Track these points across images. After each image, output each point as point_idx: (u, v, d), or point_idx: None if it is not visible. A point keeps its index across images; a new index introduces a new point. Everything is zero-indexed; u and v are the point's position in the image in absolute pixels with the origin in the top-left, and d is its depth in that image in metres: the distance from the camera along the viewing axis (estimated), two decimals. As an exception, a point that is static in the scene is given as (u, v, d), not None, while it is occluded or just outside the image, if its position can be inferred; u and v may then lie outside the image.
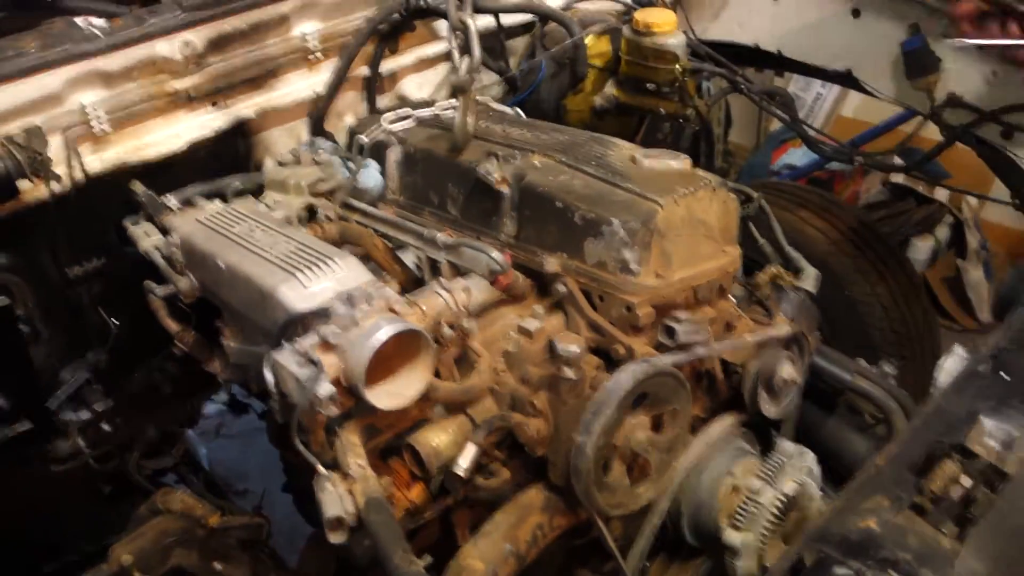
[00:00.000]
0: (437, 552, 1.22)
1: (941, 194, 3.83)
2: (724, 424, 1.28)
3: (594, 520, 1.10)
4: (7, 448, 1.25)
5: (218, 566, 1.44)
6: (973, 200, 3.84)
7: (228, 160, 1.63)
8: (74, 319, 1.51)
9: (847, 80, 2.08)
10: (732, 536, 1.17)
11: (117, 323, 1.56)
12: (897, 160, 2.21)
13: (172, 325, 1.48)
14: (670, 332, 1.19)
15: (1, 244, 1.36)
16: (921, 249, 3.64)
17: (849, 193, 3.93)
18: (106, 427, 1.56)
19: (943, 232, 3.73)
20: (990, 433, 1.00)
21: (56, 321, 1.47)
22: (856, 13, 2.00)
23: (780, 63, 2.22)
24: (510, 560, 1.07)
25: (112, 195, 1.47)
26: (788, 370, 1.27)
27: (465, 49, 1.36)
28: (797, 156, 3.95)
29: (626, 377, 1.04)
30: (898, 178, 3.86)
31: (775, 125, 4.50)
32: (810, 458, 1.24)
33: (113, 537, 1.45)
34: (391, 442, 1.19)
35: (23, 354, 1.25)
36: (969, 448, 1.00)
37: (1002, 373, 1.11)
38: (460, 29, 1.37)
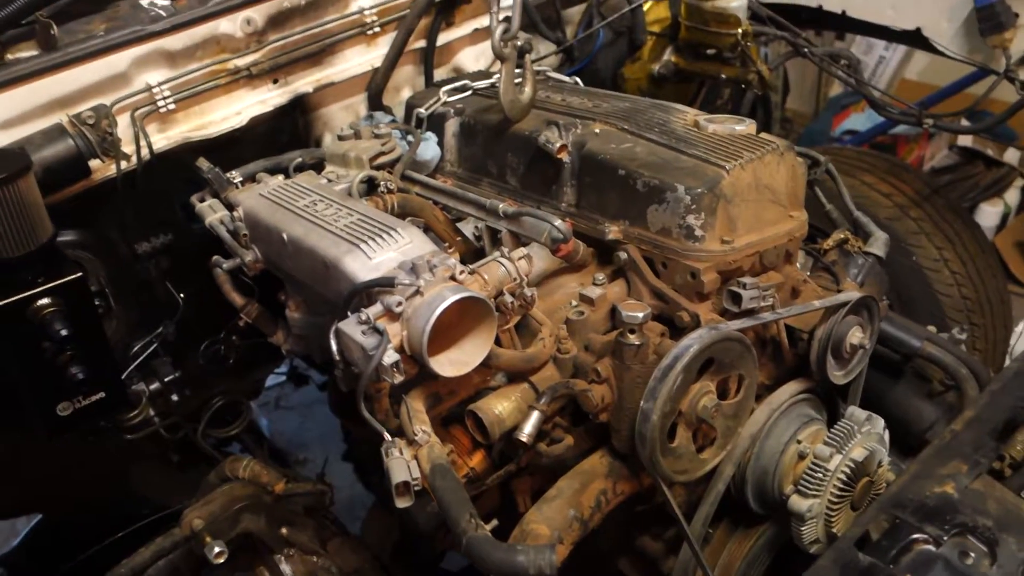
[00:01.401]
0: (497, 519, 1.24)
1: (1011, 156, 3.69)
2: (790, 390, 1.26)
3: (658, 486, 1.09)
4: (82, 417, 1.29)
5: (284, 531, 1.48)
6: (1047, 164, 3.70)
7: (288, 136, 1.65)
8: (143, 293, 1.56)
9: (916, 39, 2.01)
10: (798, 502, 1.15)
11: (184, 297, 1.60)
12: (966, 122, 2.14)
13: (237, 298, 1.51)
14: (735, 298, 1.17)
15: (73, 221, 1.40)
16: (990, 214, 3.51)
17: (914, 157, 3.81)
18: (174, 397, 1.60)
19: (1013, 196, 3.59)
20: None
21: (126, 295, 1.51)
22: (927, -29, 1.93)
23: (845, 24, 2.16)
24: (574, 525, 1.08)
25: (178, 172, 1.50)
26: (857, 335, 1.24)
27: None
28: (859, 121, 3.84)
29: (692, 343, 1.03)
30: (965, 141, 3.73)
31: (835, 90, 4.39)
32: (880, 425, 1.22)
33: (183, 503, 1.50)
34: (453, 410, 1.20)
35: (97, 327, 1.29)
36: (1051, 413, 0.97)
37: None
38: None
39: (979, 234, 2.26)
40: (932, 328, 1.61)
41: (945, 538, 0.84)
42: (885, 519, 0.87)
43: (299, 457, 2.71)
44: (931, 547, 0.84)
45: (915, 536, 0.85)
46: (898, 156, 3.77)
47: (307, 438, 2.81)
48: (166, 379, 1.58)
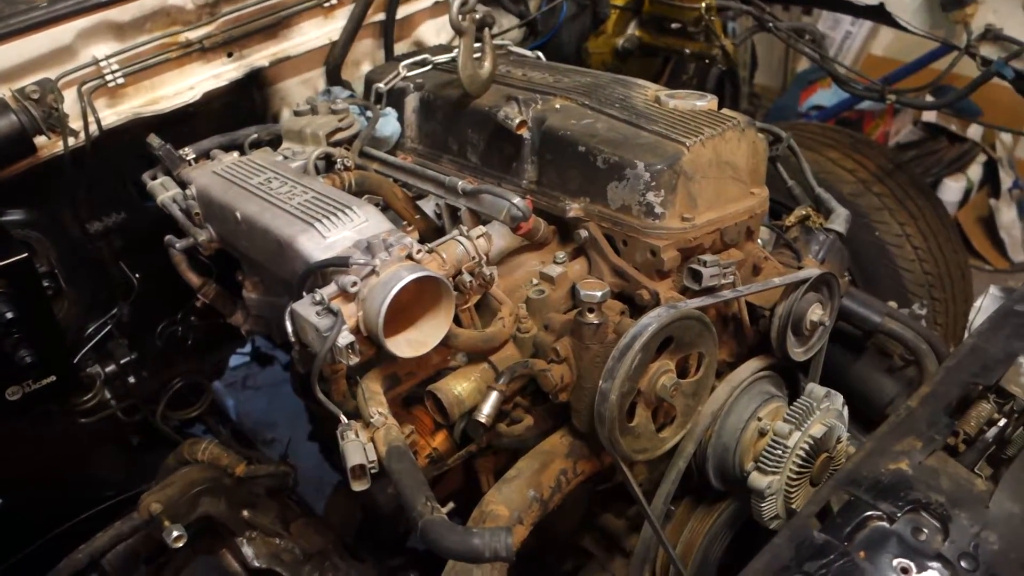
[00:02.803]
0: (461, 498, 1.23)
1: (974, 132, 3.73)
2: (750, 368, 1.26)
3: (618, 465, 1.09)
4: (33, 401, 1.26)
5: (245, 513, 1.46)
6: (1007, 138, 3.73)
7: (244, 112, 1.61)
8: (97, 274, 1.52)
9: (879, 14, 2.01)
10: (758, 479, 1.15)
11: (139, 277, 1.56)
12: (930, 98, 2.15)
13: (193, 278, 1.48)
14: (696, 276, 1.16)
15: (21, 200, 1.36)
16: (953, 189, 3.55)
17: (879, 133, 3.83)
18: (131, 379, 1.57)
19: (976, 171, 3.63)
20: (1027, 373, 0.97)
21: (79, 276, 1.48)
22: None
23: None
24: (534, 506, 1.07)
25: (129, 149, 1.46)
26: (817, 312, 1.24)
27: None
28: (825, 97, 3.85)
29: (650, 322, 1.02)
30: (929, 117, 3.76)
31: (802, 66, 4.39)
32: (839, 401, 1.22)
33: (143, 486, 1.47)
34: (414, 391, 1.18)
35: (46, 308, 1.25)
36: (1005, 388, 0.98)
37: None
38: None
39: (941, 209, 2.28)
40: (893, 304, 1.62)
41: (899, 515, 0.85)
42: (840, 496, 0.87)
43: (267, 437, 2.68)
44: (885, 524, 0.84)
45: (869, 513, 0.85)
46: (864, 131, 3.79)
47: (274, 418, 2.78)
48: (122, 361, 1.55)
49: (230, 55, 1.55)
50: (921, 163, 3.58)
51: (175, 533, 1.33)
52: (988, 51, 1.83)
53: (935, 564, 0.81)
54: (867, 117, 3.87)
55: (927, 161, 3.61)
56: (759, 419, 1.23)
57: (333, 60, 1.65)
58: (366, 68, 1.73)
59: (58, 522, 1.48)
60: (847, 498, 0.87)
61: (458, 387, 1.12)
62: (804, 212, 1.48)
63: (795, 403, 1.19)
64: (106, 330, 1.52)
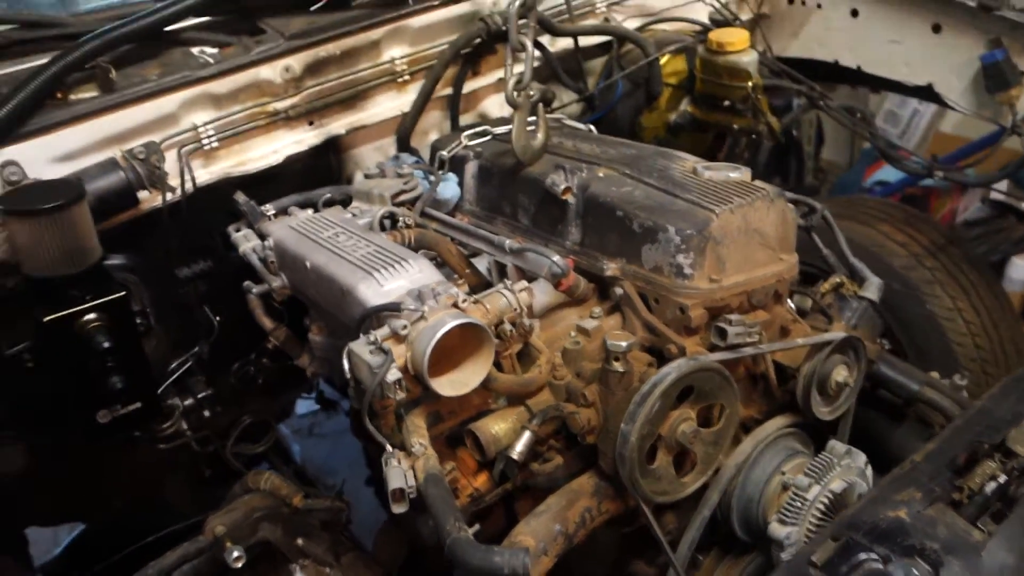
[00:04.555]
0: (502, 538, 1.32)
1: (1043, 211, 3.70)
2: (776, 424, 1.32)
3: (640, 506, 1.16)
4: (120, 425, 1.41)
5: (300, 542, 1.57)
6: (1081, 219, 3.69)
7: (321, 174, 1.78)
8: (182, 316, 1.68)
9: (928, 94, 2.08)
10: (778, 529, 1.21)
11: (219, 320, 1.72)
12: (971, 172, 2.20)
13: (267, 322, 1.64)
14: (721, 333, 1.25)
15: (122, 247, 1.54)
16: (1021, 268, 3.51)
17: (946, 211, 3.83)
18: (206, 413, 1.72)
19: (1046, 250, 3.59)
20: (1031, 436, 1.02)
21: (166, 316, 1.64)
22: (937, 28, 2.01)
23: (860, 79, 2.24)
24: (559, 539, 1.15)
25: (218, 204, 1.64)
26: (842, 373, 1.31)
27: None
28: (890, 173, 3.88)
29: (670, 371, 1.11)
30: (998, 195, 3.74)
31: (867, 144, 4.43)
32: (861, 459, 1.27)
33: (211, 512, 1.60)
34: (455, 431, 1.28)
35: (137, 342, 1.41)
36: (1010, 447, 1.02)
37: (1053, 379, 1.12)
38: (519, 50, 1.47)
39: (996, 285, 2.29)
40: (935, 374, 1.65)
41: (893, 558, 0.90)
42: (839, 539, 0.93)
43: (327, 482, 2.81)
44: (879, 565, 0.90)
45: (864, 556, 0.91)
46: (930, 209, 3.80)
47: (336, 465, 2.91)
48: (199, 396, 1.70)
49: (311, 123, 1.72)
50: (988, 240, 3.56)
51: (235, 554, 1.44)
52: (1035, 131, 1.89)
53: (925, 606, 0.87)
54: (933, 194, 3.87)
55: (994, 239, 3.59)
56: (783, 473, 1.29)
57: (403, 129, 1.82)
58: (433, 137, 1.89)
59: (131, 543, 1.61)
60: (845, 540, 0.93)
61: (495, 427, 1.22)
62: (838, 280, 1.55)
63: (816, 458, 1.24)
64: (187, 366, 1.68)
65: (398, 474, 1.09)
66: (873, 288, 1.55)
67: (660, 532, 1.17)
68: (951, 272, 2.23)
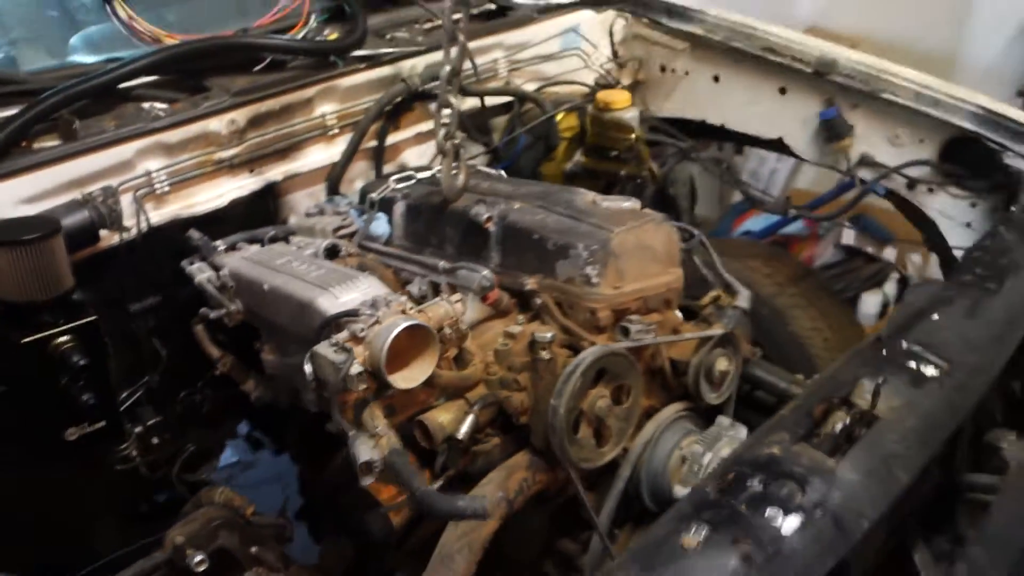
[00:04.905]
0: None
1: (889, 254, 4.23)
2: (674, 408, 1.57)
3: (568, 476, 1.38)
4: (86, 442, 1.53)
5: (253, 550, 1.70)
6: (917, 259, 4.24)
7: (260, 217, 1.96)
8: (133, 347, 1.81)
9: (779, 147, 2.46)
10: (681, 491, 1.45)
11: (167, 352, 1.85)
12: (819, 212, 2.59)
13: (214, 351, 1.79)
14: (624, 331, 1.50)
15: (84, 281, 1.67)
16: (871, 303, 3.99)
17: (805, 255, 4.31)
18: (155, 440, 1.83)
19: (891, 287, 4.10)
20: (867, 390, 1.31)
21: (120, 347, 1.76)
22: (783, 90, 2.39)
23: (724, 135, 2.61)
24: (502, 504, 1.35)
25: (169, 243, 1.79)
26: (724, 363, 1.58)
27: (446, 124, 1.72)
28: (754, 223, 4.36)
29: (588, 354, 1.35)
30: (848, 241, 4.26)
31: (735, 198, 4.93)
32: (743, 431, 1.54)
33: (163, 532, 1.70)
34: (405, 426, 1.47)
35: (104, 363, 1.54)
36: (852, 400, 1.31)
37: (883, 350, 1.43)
38: (447, 107, 1.73)
39: (848, 308, 2.68)
40: (799, 376, 1.96)
41: (771, 482, 1.15)
42: (729, 472, 1.18)
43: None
44: (761, 487, 1.15)
45: (750, 481, 1.15)
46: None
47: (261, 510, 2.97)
48: (148, 423, 1.82)
49: (251, 171, 1.91)
50: (842, 280, 4.04)
51: (197, 558, 1.56)
52: (865, 174, 2.28)
53: (797, 512, 1.12)
54: (793, 241, 4.36)
55: (847, 278, 4.07)
56: (681, 448, 1.54)
57: (334, 176, 2.02)
58: (358, 184, 2.10)
59: (89, 561, 1.69)
60: (734, 472, 1.18)
61: (441, 417, 1.43)
62: (715, 293, 1.84)
63: (706, 431, 1.50)
64: (137, 395, 1.80)
65: (366, 449, 1.27)
66: (744, 298, 1.85)
67: (585, 496, 1.39)
68: (809, 298, 2.59)
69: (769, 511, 1.12)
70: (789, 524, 1.10)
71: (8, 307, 1.44)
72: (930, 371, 1.38)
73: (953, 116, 2.07)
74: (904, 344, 1.43)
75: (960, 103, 2.06)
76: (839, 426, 1.27)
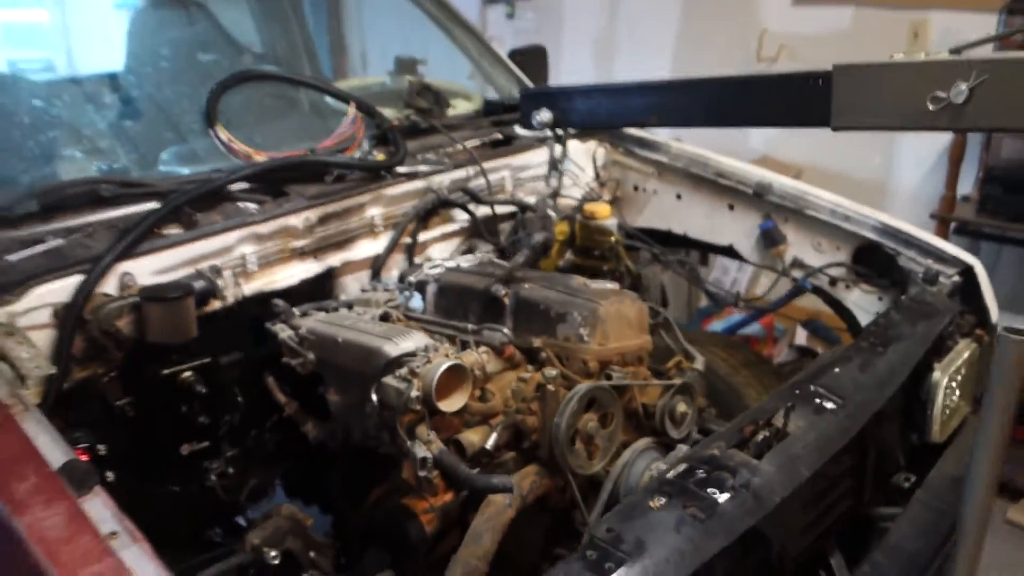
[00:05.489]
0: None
1: (835, 354, 4.81)
2: (645, 441, 2.06)
3: (567, 477, 1.86)
4: (195, 457, 1.98)
5: (312, 554, 2.13)
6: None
7: (321, 294, 2.47)
8: (219, 393, 2.28)
9: (730, 252, 3.05)
10: (649, 497, 1.92)
11: (241, 399, 2.33)
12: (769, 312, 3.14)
13: (281, 397, 2.27)
14: (608, 376, 2.02)
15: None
16: (819, 394, 4.54)
17: (764, 353, 4.87)
18: (230, 470, 2.28)
19: (837, 382, 4.66)
20: (782, 414, 1.83)
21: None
22: (731, 207, 3.00)
23: (687, 243, 3.20)
24: (517, 499, 1.82)
25: (254, 311, 2.29)
26: (683, 406, 2.09)
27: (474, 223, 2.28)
28: (718, 325, 4.94)
29: (582, 387, 1.86)
30: (800, 341, 4.85)
31: (702, 303, 5.53)
32: (697, 456, 2.02)
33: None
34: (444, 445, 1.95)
35: (215, 393, 2.02)
36: (772, 422, 1.82)
37: (796, 390, 1.95)
38: (470, 213, 2.28)
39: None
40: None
41: (712, 471, 1.65)
42: (684, 465, 1.67)
43: None
44: (703, 472, 1.64)
45: (697, 470, 1.65)
46: (750, 351, 4.84)
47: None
48: (227, 455, 2.27)
49: (316, 257, 2.44)
50: (794, 374, 4.58)
51: (272, 553, 2.00)
52: (796, 274, 2.85)
53: (728, 490, 1.61)
54: (753, 342, 4.92)
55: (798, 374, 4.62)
56: (650, 469, 2.02)
57: (377, 264, 2.56)
58: (395, 272, 2.63)
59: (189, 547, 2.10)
60: (687, 464, 1.68)
61: (472, 436, 1.91)
62: (678, 359, 2.36)
63: (670, 454, 2.00)
64: (223, 430, 2.26)
65: (422, 450, 1.76)
66: (700, 363, 2.38)
67: (579, 495, 1.87)
68: (760, 379, 3.12)
69: (709, 488, 1.62)
70: (723, 497, 1.60)
71: (153, 347, 1.93)
72: (829, 404, 1.90)
73: (860, 228, 2.67)
74: (811, 386, 1.96)
75: (865, 218, 2.67)
76: (761, 437, 1.78)
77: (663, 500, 1.58)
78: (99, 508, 1.40)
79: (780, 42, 5.21)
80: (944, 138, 4.31)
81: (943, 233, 4.06)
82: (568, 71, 6.09)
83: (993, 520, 3.78)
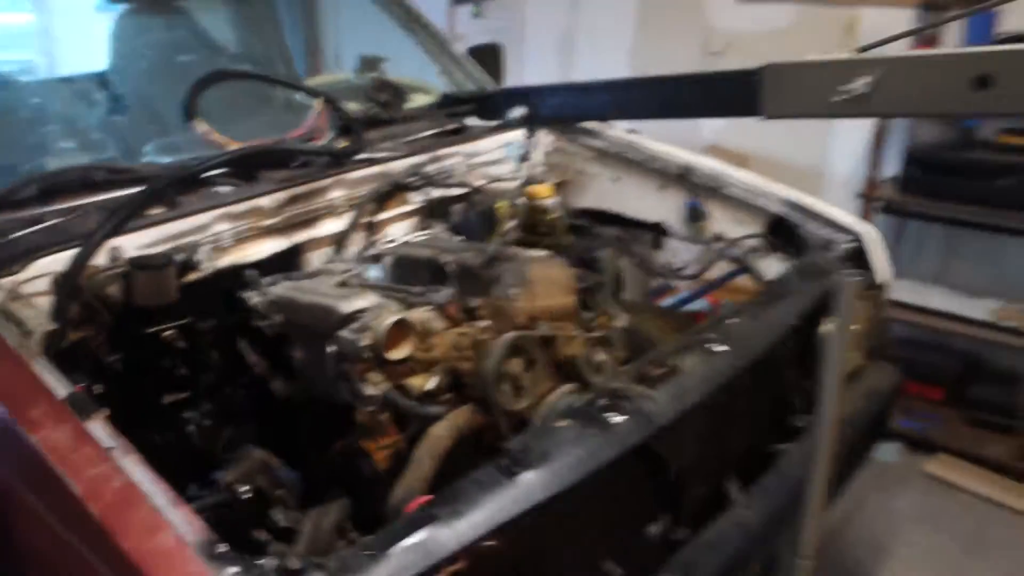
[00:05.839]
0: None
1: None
2: (570, 386, 2.39)
3: (496, 411, 2.18)
4: (175, 407, 2.30)
5: (279, 492, 2.43)
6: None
7: (289, 267, 2.78)
8: (195, 355, 2.59)
9: (660, 229, 3.38)
10: (570, 429, 2.25)
11: (218, 358, 2.63)
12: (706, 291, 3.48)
13: (252, 357, 2.58)
14: (536, 328, 2.34)
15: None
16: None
17: (712, 329, 5.22)
18: (207, 422, 2.59)
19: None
20: (677, 355, 2.16)
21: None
22: (662, 187, 3.33)
23: (623, 221, 3.53)
24: (454, 431, 2.14)
25: (229, 282, 2.60)
26: (601, 356, 2.42)
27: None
28: (667, 303, 5.28)
29: (509, 334, 2.19)
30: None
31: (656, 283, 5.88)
32: (612, 397, 2.36)
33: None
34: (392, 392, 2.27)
35: (195, 351, 2.33)
36: (667, 362, 2.15)
37: (693, 337, 2.28)
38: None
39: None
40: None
41: (614, 399, 1.97)
42: (591, 396, 2.00)
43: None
44: (607, 401, 1.97)
45: (600, 400, 1.98)
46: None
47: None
48: (203, 409, 2.58)
49: (284, 235, 2.75)
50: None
51: (243, 488, 2.30)
52: (718, 246, 3.19)
53: (625, 412, 1.94)
54: (699, 316, 5.26)
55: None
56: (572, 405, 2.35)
57: (339, 241, 2.88)
58: (355, 249, 2.95)
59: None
60: (593, 394, 2.00)
61: (415, 381, 2.23)
62: (603, 317, 2.69)
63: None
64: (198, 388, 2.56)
65: (372, 389, 2.08)
66: (623, 319, 2.71)
67: (507, 428, 2.19)
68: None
69: (608, 413, 1.95)
70: (618, 418, 1.93)
71: (139, 310, 2.24)
72: (719, 348, 2.24)
73: (770, 204, 3.01)
74: (706, 334, 2.30)
75: (774, 195, 3.01)
76: (657, 373, 2.11)
77: (568, 422, 1.91)
78: (99, 429, 1.71)
79: (727, 38, 5.55)
80: (872, 125, 4.66)
81: (867, 211, 4.42)
82: (532, 67, 6.40)
83: (911, 474, 4.17)
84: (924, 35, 3.95)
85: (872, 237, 2.87)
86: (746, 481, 2.39)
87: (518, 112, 3.21)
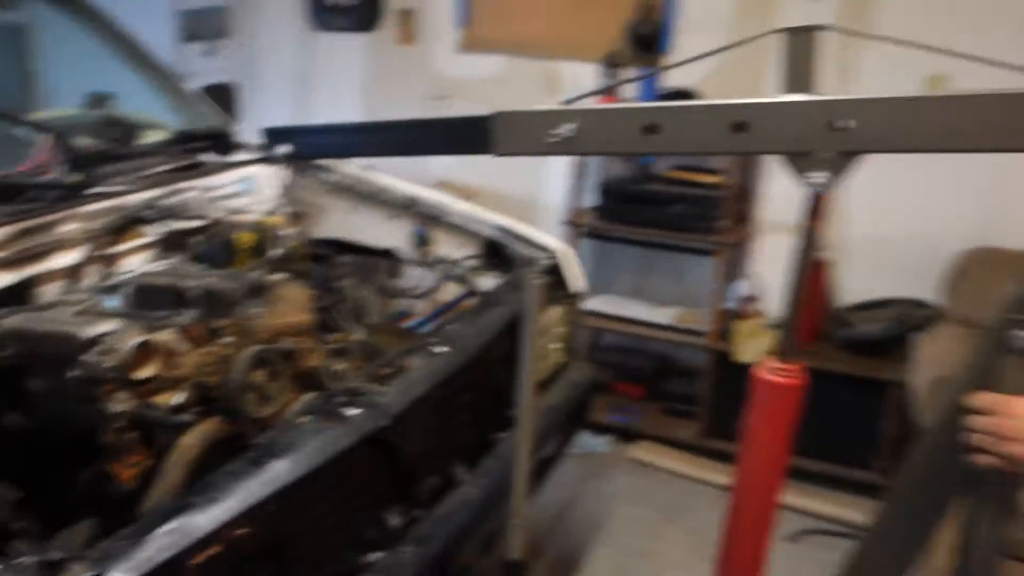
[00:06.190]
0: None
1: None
2: (313, 394, 2.65)
3: (243, 422, 2.39)
4: None
5: (22, 524, 2.45)
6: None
7: (22, 300, 2.79)
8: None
9: (391, 255, 3.75)
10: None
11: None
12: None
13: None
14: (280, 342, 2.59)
15: None
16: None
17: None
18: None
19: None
20: (397, 358, 2.51)
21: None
22: (393, 217, 3.70)
23: (358, 250, 3.85)
24: (204, 440, 2.33)
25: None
26: (340, 365, 2.71)
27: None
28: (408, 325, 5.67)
29: (254, 347, 2.42)
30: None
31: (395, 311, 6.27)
32: (351, 400, 2.66)
33: None
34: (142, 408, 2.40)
35: None
36: (398, 365, 2.49)
37: (418, 342, 2.65)
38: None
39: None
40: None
41: (351, 397, 2.27)
42: (328, 395, 2.29)
43: None
44: (344, 400, 2.27)
45: (337, 398, 2.27)
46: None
47: None
48: None
49: (18, 268, 2.76)
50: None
51: None
52: (443, 267, 3.61)
53: (358, 407, 2.25)
54: (440, 338, 5.70)
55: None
56: (316, 414, 2.61)
57: (74, 275, 2.93)
58: (92, 279, 3.00)
59: None
60: (332, 394, 2.29)
61: (162, 398, 2.39)
62: (343, 334, 2.98)
63: (329, 399, 2.60)
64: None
65: (119, 407, 2.21)
66: (361, 333, 3.02)
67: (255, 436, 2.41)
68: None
69: (342, 408, 2.25)
70: (352, 411, 2.24)
71: None
72: (439, 349, 2.62)
73: (483, 229, 3.48)
74: (429, 338, 2.68)
75: (487, 222, 3.49)
76: (387, 372, 2.45)
77: (310, 418, 2.19)
78: None
79: (451, 83, 6.10)
80: (572, 162, 5.38)
81: (574, 236, 5.10)
82: (268, 106, 6.57)
83: (619, 460, 4.84)
84: (609, 88, 4.70)
85: (566, 254, 3.42)
86: (472, 464, 2.79)
87: (284, 150, 3.48)
